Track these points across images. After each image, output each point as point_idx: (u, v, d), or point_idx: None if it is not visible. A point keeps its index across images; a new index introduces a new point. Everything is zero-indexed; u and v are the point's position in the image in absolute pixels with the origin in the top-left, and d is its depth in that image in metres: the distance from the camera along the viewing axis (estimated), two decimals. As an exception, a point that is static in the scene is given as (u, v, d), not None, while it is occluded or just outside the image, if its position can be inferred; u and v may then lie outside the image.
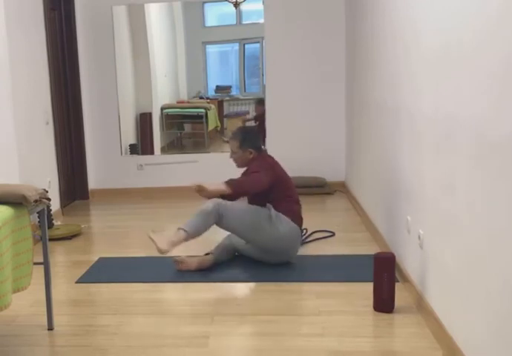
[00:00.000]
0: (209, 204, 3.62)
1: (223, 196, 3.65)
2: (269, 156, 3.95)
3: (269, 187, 3.69)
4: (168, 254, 4.03)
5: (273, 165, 3.82)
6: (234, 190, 3.58)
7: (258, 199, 3.79)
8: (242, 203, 3.83)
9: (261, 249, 3.75)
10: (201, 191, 3.57)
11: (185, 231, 3.56)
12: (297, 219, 3.81)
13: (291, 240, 3.75)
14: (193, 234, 3.59)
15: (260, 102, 6.52)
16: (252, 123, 6.65)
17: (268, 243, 3.69)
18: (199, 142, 6.93)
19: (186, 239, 3.58)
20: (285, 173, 3.87)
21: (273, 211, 3.70)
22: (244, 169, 3.97)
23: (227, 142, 6.61)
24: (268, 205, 3.73)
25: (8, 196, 2.55)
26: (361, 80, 4.96)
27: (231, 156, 3.95)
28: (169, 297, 3.44)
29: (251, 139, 3.88)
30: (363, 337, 2.74)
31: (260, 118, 6.51)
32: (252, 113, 6.71)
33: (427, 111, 2.81)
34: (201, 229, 3.62)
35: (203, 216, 3.60)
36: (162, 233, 3.68)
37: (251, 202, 3.88)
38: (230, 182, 3.60)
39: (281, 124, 6.30)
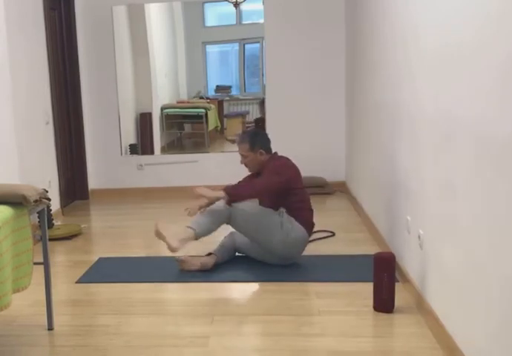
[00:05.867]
0: (220, 204, 3.59)
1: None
2: (285, 158, 3.83)
3: (281, 190, 3.64)
4: (168, 255, 4.04)
5: (290, 167, 3.72)
6: (231, 197, 3.56)
7: (270, 201, 3.74)
8: (254, 205, 3.75)
9: (267, 251, 3.74)
10: (200, 197, 3.60)
11: (193, 229, 3.55)
12: (309, 226, 3.77)
13: (299, 247, 3.74)
14: (201, 233, 3.57)
15: (263, 103, 6.50)
16: (253, 126, 6.63)
17: (276, 248, 3.67)
18: (199, 142, 6.93)
19: (196, 238, 3.57)
20: (300, 177, 3.78)
21: (285, 217, 3.66)
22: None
23: (231, 141, 6.62)
24: (281, 209, 3.68)
25: (8, 196, 2.55)
26: (361, 80, 4.96)
27: (242, 162, 3.84)
28: (169, 297, 3.44)
29: (260, 140, 3.81)
30: (363, 337, 2.74)
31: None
32: (255, 114, 6.67)
33: (427, 111, 2.81)
34: (210, 228, 3.59)
35: (213, 216, 3.57)
36: (168, 227, 3.60)
37: (262, 203, 3.83)
38: (227, 189, 3.59)
39: (281, 124, 6.30)
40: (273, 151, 3.88)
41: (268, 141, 3.87)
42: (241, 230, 3.71)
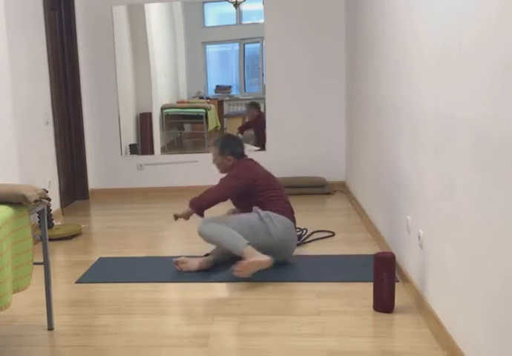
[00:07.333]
0: (202, 226, 3.65)
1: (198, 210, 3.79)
2: (249, 161, 3.96)
3: (243, 191, 3.77)
4: (168, 255, 4.04)
5: (247, 171, 3.84)
6: (196, 208, 3.74)
7: (242, 201, 3.86)
8: (232, 216, 3.82)
9: (261, 250, 3.74)
10: (177, 217, 3.82)
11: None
12: (288, 214, 3.83)
13: (288, 233, 3.75)
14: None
15: (252, 106, 6.54)
16: (251, 131, 6.66)
17: (268, 241, 3.67)
18: (199, 142, 6.93)
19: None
20: (265, 175, 3.90)
21: (261, 212, 3.71)
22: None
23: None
24: (254, 207, 3.75)
25: (8, 196, 2.55)
26: (361, 80, 4.96)
27: (213, 162, 3.99)
28: (169, 297, 3.43)
29: (230, 145, 3.93)
30: (363, 337, 2.74)
31: (255, 123, 6.53)
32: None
33: (427, 111, 2.81)
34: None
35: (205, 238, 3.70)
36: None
37: (236, 204, 3.96)
38: (191, 202, 3.77)
39: (281, 124, 6.30)
40: (245, 155, 3.97)
41: (238, 147, 3.97)
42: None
